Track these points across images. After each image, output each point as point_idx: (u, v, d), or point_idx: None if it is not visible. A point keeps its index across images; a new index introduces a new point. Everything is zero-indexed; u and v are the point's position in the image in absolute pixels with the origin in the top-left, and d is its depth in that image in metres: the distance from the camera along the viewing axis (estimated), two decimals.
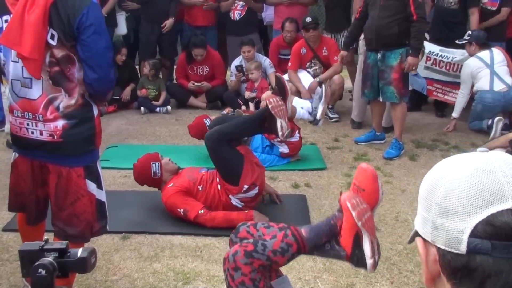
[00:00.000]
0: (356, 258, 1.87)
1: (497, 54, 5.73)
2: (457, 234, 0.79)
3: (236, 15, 7.03)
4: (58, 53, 2.32)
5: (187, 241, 3.42)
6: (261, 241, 1.86)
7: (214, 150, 3.67)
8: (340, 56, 5.47)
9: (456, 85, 6.18)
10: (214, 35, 7.15)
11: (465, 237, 0.78)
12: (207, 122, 4.74)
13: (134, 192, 4.15)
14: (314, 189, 4.27)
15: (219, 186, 3.69)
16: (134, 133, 5.81)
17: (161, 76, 7.06)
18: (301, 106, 5.85)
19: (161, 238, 3.45)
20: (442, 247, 0.81)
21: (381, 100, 5.12)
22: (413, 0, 4.73)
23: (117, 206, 3.65)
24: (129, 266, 3.12)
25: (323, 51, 6.28)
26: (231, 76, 6.92)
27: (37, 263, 1.21)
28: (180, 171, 3.86)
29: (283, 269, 3.01)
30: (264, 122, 3.67)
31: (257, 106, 6.38)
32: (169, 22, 6.82)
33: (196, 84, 6.76)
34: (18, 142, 2.53)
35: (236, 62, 6.74)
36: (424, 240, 0.86)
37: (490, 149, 4.36)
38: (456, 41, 5.94)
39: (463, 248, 0.78)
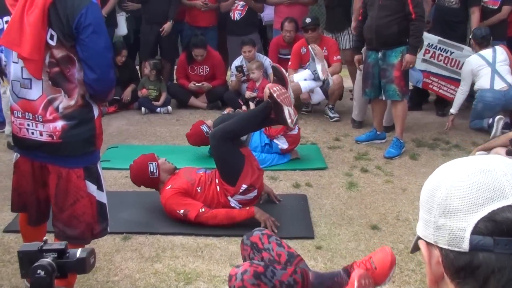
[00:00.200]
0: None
1: (500, 53, 5.72)
2: (459, 232, 0.79)
3: (236, 15, 7.03)
4: (58, 53, 2.32)
5: (188, 241, 3.42)
6: (272, 267, 1.90)
7: (217, 147, 3.67)
8: (357, 61, 5.41)
9: (452, 81, 6.19)
10: (214, 35, 7.15)
11: (467, 235, 0.78)
12: (204, 128, 4.73)
13: (135, 192, 4.15)
14: (315, 189, 4.27)
15: (218, 187, 3.68)
16: (135, 133, 5.81)
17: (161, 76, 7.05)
18: (303, 78, 5.84)
19: (162, 238, 3.45)
20: (445, 247, 0.82)
21: (383, 98, 5.13)
22: None
23: (118, 207, 3.66)
24: (130, 267, 3.12)
25: (323, 50, 6.28)
26: (231, 76, 6.91)
27: (36, 264, 1.21)
28: (177, 171, 3.85)
29: None
30: (269, 114, 3.63)
31: (257, 105, 6.38)
32: (167, 26, 6.81)
33: (196, 84, 6.76)
34: (19, 143, 2.53)
35: (237, 62, 6.74)
36: (427, 243, 0.86)
37: (491, 148, 4.39)
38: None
39: (465, 246, 0.78)
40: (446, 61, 6.27)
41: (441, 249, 0.83)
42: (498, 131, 5.35)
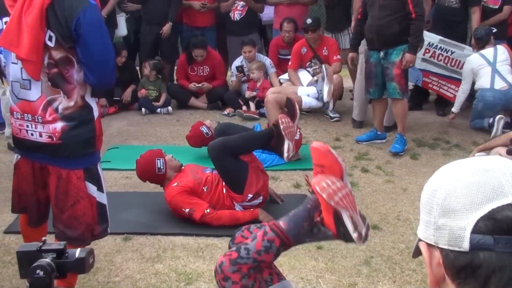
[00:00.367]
0: (343, 235, 1.86)
1: (501, 52, 5.72)
2: (459, 231, 0.79)
3: (236, 15, 7.03)
4: (56, 54, 2.32)
5: (189, 241, 3.42)
6: (243, 245, 1.85)
7: (217, 160, 3.67)
8: (350, 58, 5.45)
9: (452, 80, 6.18)
10: (213, 35, 7.14)
11: (467, 234, 0.78)
12: (204, 129, 4.73)
13: (135, 193, 4.15)
14: None
15: (224, 189, 3.69)
16: (135, 134, 5.81)
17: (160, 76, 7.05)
18: (306, 93, 5.85)
19: (163, 239, 3.45)
20: (445, 247, 0.81)
21: (386, 96, 5.15)
22: None
23: (118, 207, 3.65)
24: (131, 267, 3.12)
25: (323, 50, 6.28)
26: (231, 76, 6.91)
27: (34, 264, 1.21)
28: (183, 168, 3.86)
29: (286, 269, 3.02)
30: (270, 140, 3.71)
31: (258, 105, 6.38)
32: (166, 28, 6.81)
33: (196, 85, 6.76)
34: (19, 144, 2.53)
35: (237, 62, 6.74)
36: (428, 245, 0.86)
37: (492, 147, 4.38)
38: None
39: (465, 246, 0.78)
40: (446, 61, 6.26)
41: (441, 249, 0.82)
42: (499, 130, 5.35)
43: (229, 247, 2.14)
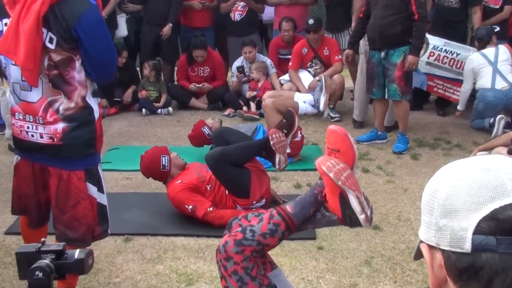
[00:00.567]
0: (349, 219, 1.83)
1: (503, 52, 5.71)
2: (461, 232, 0.77)
3: (236, 15, 7.03)
4: (56, 56, 2.32)
5: (190, 242, 3.42)
6: (249, 227, 1.84)
7: (217, 169, 3.67)
8: (345, 54, 5.47)
9: (458, 82, 6.16)
10: (211, 35, 7.13)
11: (469, 235, 0.76)
12: (206, 130, 4.74)
13: (136, 194, 4.15)
14: None
15: (227, 191, 3.70)
16: (136, 134, 5.81)
17: (162, 77, 7.06)
18: (303, 100, 5.86)
19: (163, 239, 3.45)
20: (447, 248, 0.79)
21: (386, 97, 5.15)
22: None
23: (119, 208, 3.66)
24: (131, 268, 3.12)
25: (324, 51, 6.28)
26: (232, 77, 6.91)
27: (34, 266, 1.21)
28: (187, 166, 3.86)
29: (287, 269, 3.02)
30: (263, 150, 3.77)
31: (258, 105, 6.37)
32: (166, 29, 6.81)
33: (197, 85, 6.76)
34: (19, 145, 2.53)
35: (237, 63, 6.74)
36: (429, 246, 0.84)
37: (492, 147, 4.38)
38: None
39: (467, 247, 0.76)
40: (451, 63, 6.25)
41: (443, 251, 0.80)
42: (500, 130, 5.35)
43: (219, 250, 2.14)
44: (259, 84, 6.50)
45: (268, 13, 7.23)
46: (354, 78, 6.34)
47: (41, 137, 2.41)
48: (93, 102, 2.49)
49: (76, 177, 2.47)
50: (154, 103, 6.64)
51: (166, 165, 3.74)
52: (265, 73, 6.57)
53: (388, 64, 4.98)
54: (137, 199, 4.04)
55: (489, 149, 4.43)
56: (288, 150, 3.87)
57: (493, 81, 5.64)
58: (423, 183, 4.50)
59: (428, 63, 6.28)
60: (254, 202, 3.67)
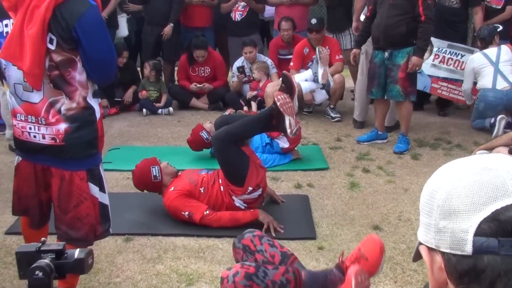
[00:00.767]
0: None
1: (505, 52, 5.71)
2: (461, 234, 0.75)
3: (237, 15, 7.03)
4: (57, 57, 2.32)
5: (190, 242, 3.42)
6: (263, 267, 1.88)
7: (221, 150, 3.66)
8: (353, 54, 5.44)
9: (462, 84, 6.16)
10: (211, 35, 7.14)
11: (469, 237, 0.74)
12: (204, 135, 4.74)
13: (136, 194, 4.14)
14: (316, 189, 4.27)
15: (221, 187, 3.68)
16: (136, 135, 5.81)
17: (163, 77, 7.06)
18: (304, 78, 5.85)
19: (164, 239, 3.45)
20: (447, 250, 0.77)
21: (385, 98, 5.15)
22: (422, 0, 4.72)
23: (120, 208, 3.65)
24: (132, 268, 3.12)
25: (325, 50, 6.27)
26: (232, 77, 6.92)
27: (33, 265, 1.20)
28: (180, 173, 3.85)
29: None
30: (271, 120, 3.65)
31: (259, 105, 6.38)
32: (167, 29, 6.81)
33: (197, 85, 6.76)
34: (21, 146, 2.53)
35: (238, 63, 6.74)
36: (429, 248, 0.82)
37: (493, 147, 4.38)
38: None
39: (468, 249, 0.74)
40: (456, 65, 6.25)
41: (443, 253, 0.79)
42: (500, 130, 5.34)
43: (234, 245, 2.15)
44: (261, 84, 6.50)
45: (269, 10, 7.22)
46: (354, 78, 6.35)
47: (43, 137, 2.41)
48: (94, 103, 2.50)
49: (78, 178, 2.47)
50: (154, 103, 6.65)
51: (157, 175, 3.73)
52: (266, 73, 6.57)
53: (392, 65, 4.97)
54: (137, 199, 4.03)
55: (490, 149, 4.43)
56: (290, 132, 3.79)
57: (494, 81, 5.64)
58: (423, 183, 4.45)
59: (433, 65, 6.28)
60: (250, 189, 3.63)
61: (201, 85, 6.76)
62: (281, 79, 5.86)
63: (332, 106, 6.30)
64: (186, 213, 3.54)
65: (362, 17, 6.03)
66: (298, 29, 6.67)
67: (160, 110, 6.61)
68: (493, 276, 0.73)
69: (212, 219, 3.52)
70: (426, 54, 5.37)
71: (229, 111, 6.51)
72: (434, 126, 6.05)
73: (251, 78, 6.65)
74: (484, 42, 5.80)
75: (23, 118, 2.42)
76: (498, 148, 4.34)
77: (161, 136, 5.77)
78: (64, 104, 2.38)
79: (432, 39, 5.89)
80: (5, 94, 4.61)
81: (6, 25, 2.37)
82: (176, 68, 7.37)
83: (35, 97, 2.38)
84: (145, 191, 3.86)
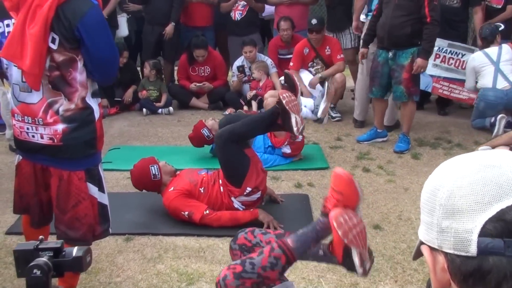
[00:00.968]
0: (347, 265, 1.93)
1: (506, 52, 5.71)
2: (465, 234, 0.73)
3: (237, 15, 7.03)
4: (59, 57, 2.32)
5: (190, 242, 3.42)
6: (249, 260, 1.84)
7: (223, 149, 3.66)
8: (361, 53, 5.43)
9: (464, 83, 6.16)
10: (211, 35, 7.13)
11: (474, 237, 0.72)
12: (205, 132, 4.74)
13: (137, 193, 4.14)
14: (317, 189, 4.27)
15: (221, 188, 3.68)
16: (137, 134, 5.81)
17: (163, 77, 7.05)
18: (303, 104, 5.85)
19: (164, 239, 3.45)
20: (450, 251, 0.75)
21: (392, 99, 5.15)
22: (428, 2, 4.71)
23: (120, 208, 3.66)
24: (132, 268, 3.12)
25: (326, 50, 6.27)
26: (232, 76, 6.91)
27: (32, 264, 1.20)
28: (178, 172, 3.85)
29: (288, 269, 3.01)
30: (277, 119, 3.59)
31: (259, 104, 6.38)
32: (169, 28, 6.81)
33: (197, 85, 6.76)
34: (20, 145, 2.53)
35: (238, 62, 6.74)
36: (431, 248, 0.79)
37: (493, 147, 4.38)
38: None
39: (473, 250, 0.72)
40: (457, 64, 6.25)
41: (446, 254, 0.76)
42: (500, 130, 5.34)
43: (230, 247, 2.14)
44: (261, 83, 6.50)
45: (267, 8, 7.21)
46: (355, 77, 6.35)
47: (42, 137, 2.42)
48: (93, 103, 2.50)
49: (77, 177, 2.47)
50: (154, 103, 6.64)
51: (157, 174, 3.73)
52: (266, 72, 6.57)
53: (395, 65, 4.96)
54: (137, 198, 4.03)
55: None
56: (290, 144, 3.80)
57: (495, 80, 5.63)
58: (424, 183, 4.43)
59: (435, 65, 6.27)
60: (248, 190, 3.63)
61: (201, 84, 6.76)
62: (282, 78, 5.86)
63: (332, 105, 6.29)
64: (186, 213, 3.54)
65: (362, 17, 6.03)
66: (297, 28, 6.66)
67: (160, 110, 6.60)
68: (498, 277, 0.71)
69: (212, 218, 3.52)
70: None
71: (229, 111, 6.51)
72: (435, 126, 6.05)
73: (251, 78, 6.64)
74: (486, 41, 5.79)
75: (20, 119, 2.43)
76: (499, 147, 4.34)
77: (161, 135, 5.77)
78: (63, 105, 2.38)
79: None
80: (5, 94, 4.63)
81: (8, 25, 2.38)
82: (176, 68, 7.37)
83: (34, 97, 2.38)
84: (144, 190, 3.85)
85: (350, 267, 1.91)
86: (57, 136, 2.40)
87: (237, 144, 3.64)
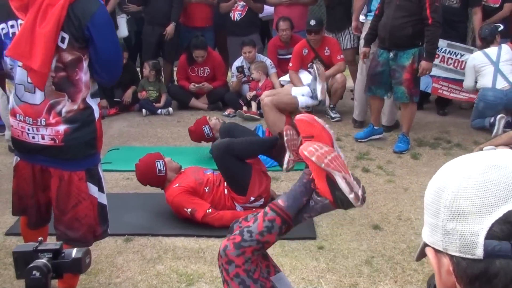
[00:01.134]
0: (340, 201, 1.82)
1: (505, 52, 5.70)
2: (471, 237, 0.71)
3: (236, 15, 7.03)
4: (67, 56, 2.34)
5: (190, 242, 3.42)
6: (246, 228, 1.84)
7: (221, 161, 3.66)
8: (362, 53, 5.43)
9: (462, 83, 6.15)
10: (211, 35, 7.13)
11: (480, 240, 0.70)
12: (206, 130, 4.75)
13: (136, 194, 4.15)
14: None
15: (226, 190, 3.69)
16: (136, 135, 5.81)
17: (162, 77, 7.05)
18: (300, 93, 5.83)
19: (164, 240, 3.45)
20: (456, 254, 0.73)
21: (392, 99, 5.15)
22: (430, 3, 4.70)
23: (119, 209, 3.66)
24: (132, 269, 3.12)
25: (325, 51, 6.26)
26: (232, 77, 6.91)
27: (31, 265, 1.20)
28: (183, 170, 3.86)
29: (288, 269, 3.02)
30: (273, 148, 3.70)
31: (259, 105, 6.37)
32: (170, 28, 6.80)
33: (197, 85, 6.76)
34: (19, 146, 2.53)
35: (237, 63, 6.74)
36: (435, 250, 0.78)
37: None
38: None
39: (479, 253, 0.70)
40: (456, 64, 6.24)
41: (451, 256, 0.74)
42: (500, 130, 5.34)
43: (220, 255, 2.15)
44: (260, 84, 6.50)
45: (265, 9, 7.21)
46: (354, 77, 6.34)
47: (43, 138, 2.41)
48: (93, 103, 2.51)
49: (77, 178, 2.48)
50: (154, 104, 6.64)
51: (162, 169, 3.73)
52: (265, 72, 6.56)
53: (396, 66, 4.96)
54: (137, 199, 4.03)
55: None
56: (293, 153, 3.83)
57: (494, 80, 5.63)
58: (423, 183, 4.51)
59: (434, 65, 6.26)
60: (252, 199, 3.65)
61: (200, 85, 6.76)
62: (280, 78, 5.86)
63: (332, 105, 6.29)
64: (189, 209, 3.54)
65: (361, 17, 6.03)
66: (297, 29, 6.66)
67: (159, 110, 6.60)
68: (506, 281, 0.69)
69: (214, 218, 3.52)
70: None
71: (228, 111, 6.51)
72: (434, 126, 6.05)
73: (250, 78, 6.64)
74: (485, 41, 5.79)
75: (21, 119, 2.43)
76: (499, 147, 4.34)
77: (160, 136, 5.76)
78: (66, 106, 2.39)
79: None
80: (4, 95, 4.61)
81: (12, 26, 2.36)
82: (175, 68, 7.37)
83: (37, 98, 2.38)
84: (148, 185, 3.85)
85: (344, 201, 1.80)
86: (59, 136, 2.40)
87: (234, 157, 3.65)
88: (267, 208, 1.87)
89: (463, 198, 0.73)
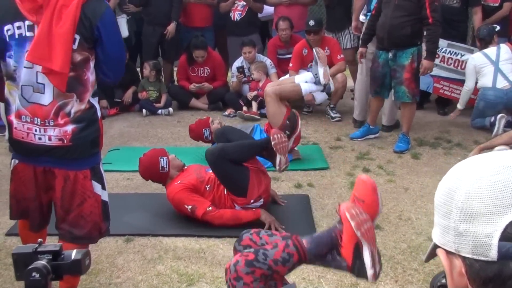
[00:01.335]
0: (357, 269, 1.88)
1: (504, 51, 5.71)
2: (485, 239, 0.70)
3: (236, 15, 7.03)
4: (77, 57, 2.35)
5: (191, 242, 3.42)
6: (262, 250, 1.85)
7: (216, 165, 3.66)
8: (359, 52, 5.44)
9: (463, 83, 6.15)
10: (211, 35, 7.13)
11: (494, 241, 0.69)
12: (206, 132, 4.77)
13: (137, 194, 4.15)
14: (317, 189, 4.27)
15: (225, 190, 3.70)
16: (136, 135, 5.81)
17: (162, 78, 7.05)
18: (304, 80, 5.80)
19: (164, 240, 3.45)
20: (469, 256, 0.72)
21: (393, 99, 5.15)
22: (430, 2, 4.70)
23: (120, 209, 3.66)
24: (132, 269, 3.12)
25: (325, 51, 6.25)
26: (232, 77, 6.91)
27: (30, 267, 1.20)
28: (186, 168, 3.87)
29: None
30: (264, 150, 3.76)
31: (260, 105, 6.37)
32: (171, 27, 6.81)
33: (197, 85, 6.76)
34: (21, 148, 2.49)
35: (237, 63, 6.74)
36: (447, 252, 0.77)
37: (494, 146, 4.37)
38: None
39: (493, 255, 0.69)
40: (456, 64, 6.24)
41: (464, 258, 0.73)
42: (500, 129, 5.34)
43: (235, 248, 2.15)
44: (260, 84, 6.50)
45: (265, 8, 7.21)
46: (354, 77, 6.34)
47: (50, 139, 2.40)
48: (95, 101, 2.53)
49: (82, 176, 2.49)
50: (154, 104, 6.64)
51: (165, 166, 3.74)
52: (265, 72, 6.57)
53: (396, 66, 4.96)
54: (137, 199, 4.04)
55: (490, 148, 4.42)
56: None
57: (494, 80, 5.63)
58: (424, 182, 4.52)
59: (435, 65, 6.26)
60: (252, 201, 3.66)
61: (200, 85, 6.76)
62: (280, 78, 5.86)
63: (332, 105, 6.29)
64: (190, 206, 3.55)
65: (362, 17, 6.03)
66: (297, 29, 6.66)
67: (159, 111, 6.60)
68: None
69: (215, 216, 3.53)
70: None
71: (228, 111, 6.51)
72: (434, 125, 6.05)
73: (251, 78, 6.64)
74: (484, 42, 5.80)
75: (28, 120, 2.41)
76: (499, 147, 4.34)
77: (161, 136, 5.77)
78: (74, 106, 2.40)
79: None
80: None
81: (19, 27, 2.34)
82: (175, 68, 7.37)
83: (45, 99, 2.37)
84: (149, 180, 3.87)
85: (360, 270, 1.85)
86: (67, 136, 2.41)
87: (228, 161, 3.65)
88: (289, 241, 1.90)
89: (476, 199, 0.72)
